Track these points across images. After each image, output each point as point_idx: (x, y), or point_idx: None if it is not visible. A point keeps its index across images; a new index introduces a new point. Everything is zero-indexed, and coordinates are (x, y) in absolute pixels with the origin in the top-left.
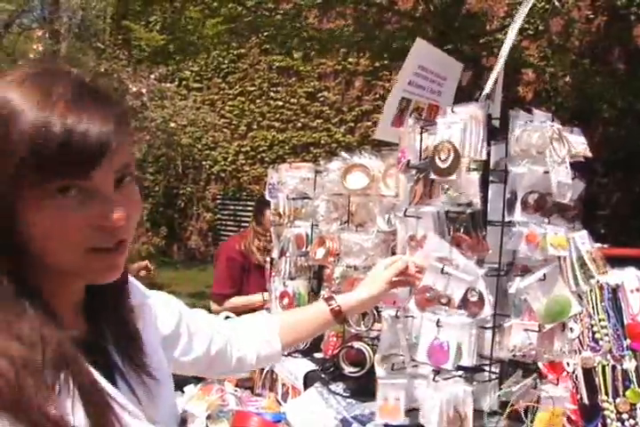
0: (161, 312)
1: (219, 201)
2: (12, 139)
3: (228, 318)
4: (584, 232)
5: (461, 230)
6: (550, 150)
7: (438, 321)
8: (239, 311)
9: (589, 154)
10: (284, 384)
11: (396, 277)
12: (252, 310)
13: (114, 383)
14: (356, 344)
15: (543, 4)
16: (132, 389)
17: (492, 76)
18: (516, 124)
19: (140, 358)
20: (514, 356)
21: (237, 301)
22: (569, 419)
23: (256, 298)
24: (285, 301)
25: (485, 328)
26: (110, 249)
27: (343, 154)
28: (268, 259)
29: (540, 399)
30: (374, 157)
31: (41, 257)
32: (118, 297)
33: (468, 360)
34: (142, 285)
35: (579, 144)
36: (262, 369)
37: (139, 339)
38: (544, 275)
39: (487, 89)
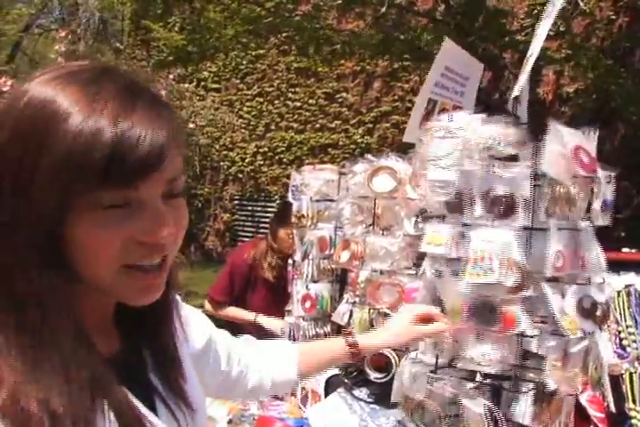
0: (192, 329)
1: (236, 202)
2: (54, 144)
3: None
4: (482, 230)
5: None
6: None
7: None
8: (234, 323)
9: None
10: (303, 388)
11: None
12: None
13: (153, 408)
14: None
15: (564, 4)
16: (174, 414)
17: (522, 77)
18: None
19: (180, 384)
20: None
21: (231, 313)
22: None
23: (248, 317)
24: (308, 304)
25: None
26: (149, 268)
27: (369, 156)
28: (290, 261)
29: None
30: (401, 159)
31: (78, 271)
32: (159, 317)
33: None
34: None
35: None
36: None
37: (179, 364)
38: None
39: (517, 91)
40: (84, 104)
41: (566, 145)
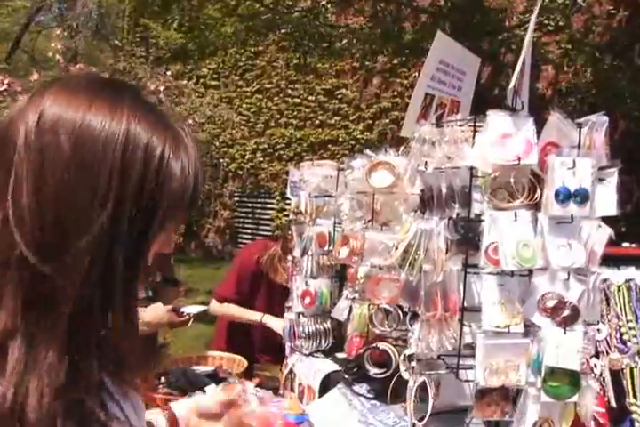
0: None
1: (236, 199)
2: (167, 182)
3: None
4: (431, 224)
5: None
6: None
7: None
8: (234, 322)
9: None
10: (300, 384)
11: None
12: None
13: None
14: (381, 345)
15: None
16: (122, 408)
17: (517, 68)
18: None
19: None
20: None
21: (237, 313)
22: (596, 422)
23: (254, 317)
24: (307, 300)
25: None
26: None
27: (367, 151)
28: (289, 257)
29: None
30: (400, 154)
31: None
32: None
33: None
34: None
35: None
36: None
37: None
38: None
39: (513, 82)
40: (170, 143)
41: (496, 134)
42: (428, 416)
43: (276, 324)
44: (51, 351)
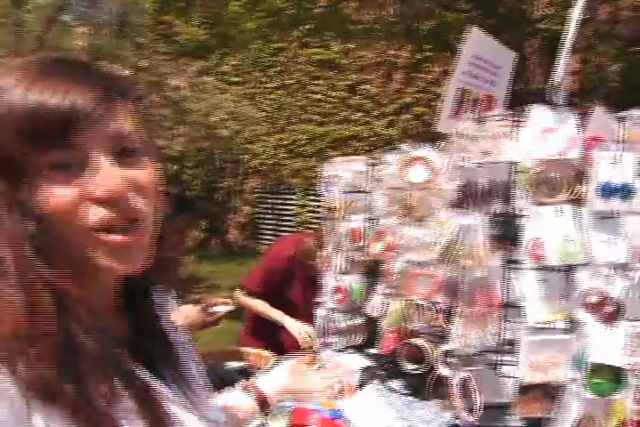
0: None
1: (258, 195)
2: None
3: None
4: (471, 220)
5: None
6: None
7: None
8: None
9: None
10: (339, 382)
11: None
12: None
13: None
14: (416, 341)
15: None
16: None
17: (561, 64)
18: None
19: (179, 370)
20: None
21: (260, 308)
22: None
23: (274, 316)
24: (339, 295)
25: None
26: (118, 230)
27: (403, 146)
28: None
29: None
30: (437, 149)
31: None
32: (145, 301)
33: None
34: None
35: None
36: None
37: (174, 351)
38: None
39: (558, 78)
40: (12, 83)
41: (538, 129)
42: (478, 412)
43: (293, 327)
44: None
